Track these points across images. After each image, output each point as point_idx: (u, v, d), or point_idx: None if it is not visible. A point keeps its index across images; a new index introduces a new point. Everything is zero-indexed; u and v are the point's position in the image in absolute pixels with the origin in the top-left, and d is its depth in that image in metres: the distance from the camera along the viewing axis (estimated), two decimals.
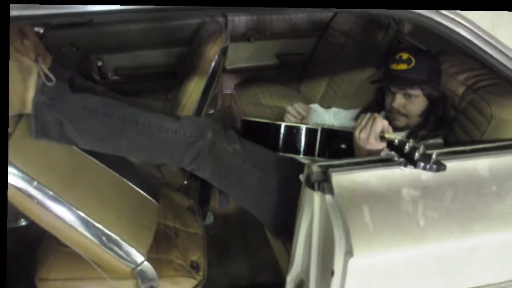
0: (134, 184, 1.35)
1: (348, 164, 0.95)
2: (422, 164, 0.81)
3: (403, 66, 1.38)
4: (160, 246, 1.40)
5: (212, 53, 1.82)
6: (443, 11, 0.88)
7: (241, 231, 1.93)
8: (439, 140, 1.38)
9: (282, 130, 1.41)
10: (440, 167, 0.82)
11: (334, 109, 1.82)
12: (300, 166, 1.39)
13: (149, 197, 1.36)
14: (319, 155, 1.37)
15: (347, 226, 0.88)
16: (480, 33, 0.92)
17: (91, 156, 1.26)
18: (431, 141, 1.38)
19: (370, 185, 0.93)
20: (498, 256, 0.98)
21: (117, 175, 1.30)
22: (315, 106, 1.78)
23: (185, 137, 1.20)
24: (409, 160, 0.84)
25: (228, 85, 2.71)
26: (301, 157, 1.42)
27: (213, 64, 1.85)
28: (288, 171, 1.31)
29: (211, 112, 2.63)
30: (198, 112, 1.92)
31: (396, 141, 0.92)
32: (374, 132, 1.02)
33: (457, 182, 0.95)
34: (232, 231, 1.93)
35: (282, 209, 1.28)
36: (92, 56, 2.29)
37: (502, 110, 1.19)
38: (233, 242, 1.87)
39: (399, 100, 1.41)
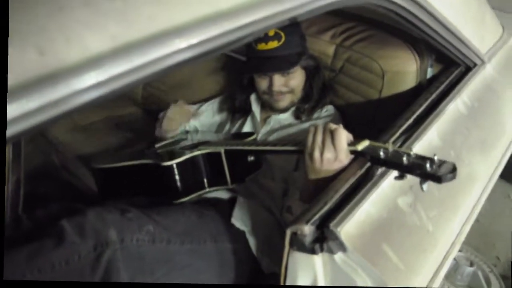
0: None
1: (338, 205, 0.75)
2: (449, 176, 0.67)
3: (273, 44, 1.18)
4: None
5: None
6: None
7: None
8: (330, 107, 1.29)
9: (175, 169, 1.07)
10: (455, 167, 0.70)
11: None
12: (220, 204, 1.12)
13: None
14: (233, 182, 1.11)
15: (382, 280, 0.71)
16: None
17: None
18: (324, 113, 1.28)
19: (373, 218, 0.76)
20: None
21: None
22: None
23: (82, 260, 0.76)
24: (426, 176, 0.69)
25: None
26: (209, 191, 1.13)
27: None
28: (216, 222, 1.02)
29: None
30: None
31: (382, 153, 0.75)
32: (342, 149, 0.81)
33: None
34: None
35: (226, 267, 1.01)
36: None
37: (391, 62, 1.16)
38: None
39: (278, 82, 1.23)
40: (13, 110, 0.30)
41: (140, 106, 1.96)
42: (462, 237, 0.97)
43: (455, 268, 1.58)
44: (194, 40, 0.42)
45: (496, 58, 1.25)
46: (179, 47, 0.38)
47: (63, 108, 0.32)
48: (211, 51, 0.44)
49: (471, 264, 1.59)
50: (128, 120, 1.89)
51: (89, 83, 0.33)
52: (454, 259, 1.32)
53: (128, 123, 1.86)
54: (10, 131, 0.30)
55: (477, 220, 1.07)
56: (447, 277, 1.57)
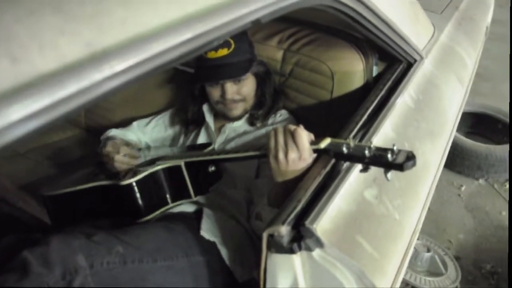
0: None
1: (310, 204, 0.76)
2: (410, 163, 0.71)
3: (223, 52, 1.18)
4: None
5: None
6: None
7: None
8: (283, 111, 1.31)
9: (135, 187, 1.03)
10: (414, 155, 0.74)
11: (134, 124, 1.49)
12: (187, 218, 1.09)
13: None
14: (196, 194, 1.08)
15: (361, 270, 0.72)
16: None
17: None
18: (279, 117, 1.29)
19: (344, 212, 0.77)
20: None
21: None
22: (113, 133, 1.40)
23: None
24: (389, 166, 0.72)
25: None
26: (173, 205, 1.10)
27: None
28: (185, 236, 0.99)
29: None
30: None
31: (344, 149, 0.77)
32: (305, 148, 0.82)
33: None
34: None
35: (201, 280, 0.98)
36: None
37: (339, 63, 1.20)
38: None
39: (230, 89, 1.23)
40: None
41: (83, 128, 1.87)
42: (420, 224, 1.02)
43: (415, 255, 1.65)
44: (167, 44, 0.41)
45: (432, 54, 1.34)
46: (157, 51, 0.37)
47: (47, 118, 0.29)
48: (184, 55, 0.43)
49: (428, 250, 1.67)
50: (71, 144, 1.80)
51: (70, 91, 0.30)
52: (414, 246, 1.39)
53: (71, 147, 1.78)
54: None
55: (428, 208, 1.14)
56: (409, 264, 1.64)
